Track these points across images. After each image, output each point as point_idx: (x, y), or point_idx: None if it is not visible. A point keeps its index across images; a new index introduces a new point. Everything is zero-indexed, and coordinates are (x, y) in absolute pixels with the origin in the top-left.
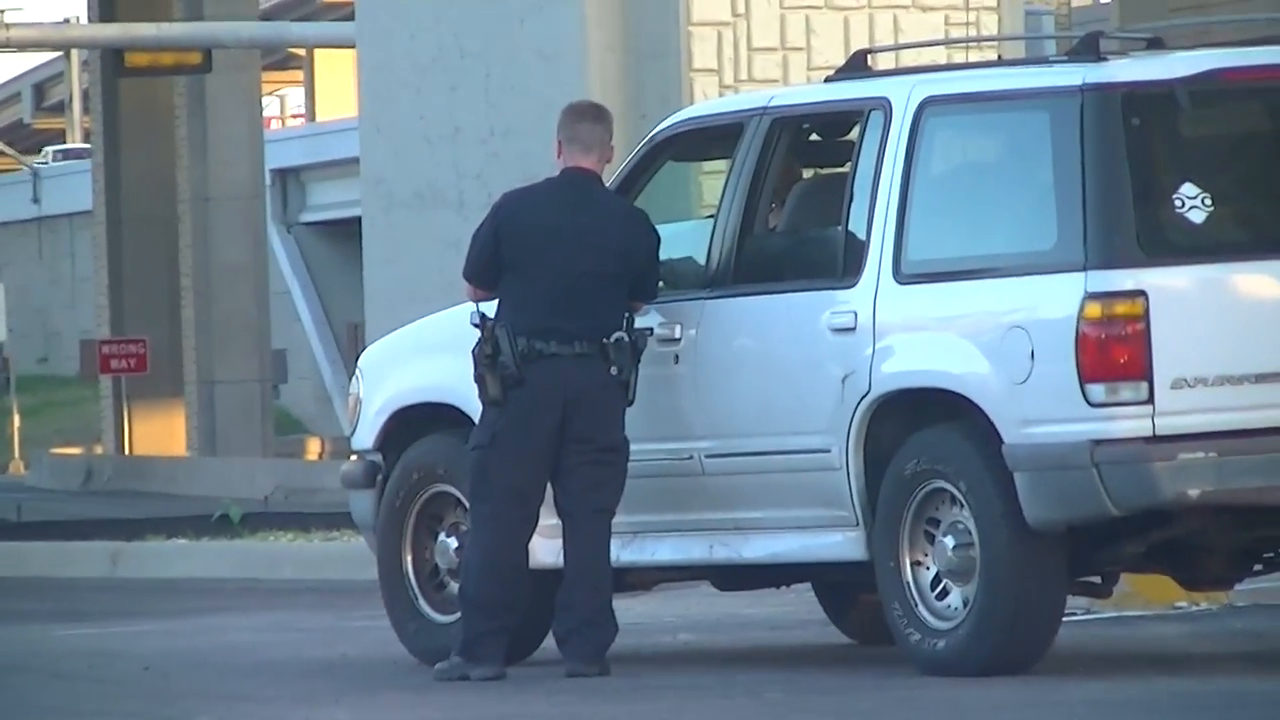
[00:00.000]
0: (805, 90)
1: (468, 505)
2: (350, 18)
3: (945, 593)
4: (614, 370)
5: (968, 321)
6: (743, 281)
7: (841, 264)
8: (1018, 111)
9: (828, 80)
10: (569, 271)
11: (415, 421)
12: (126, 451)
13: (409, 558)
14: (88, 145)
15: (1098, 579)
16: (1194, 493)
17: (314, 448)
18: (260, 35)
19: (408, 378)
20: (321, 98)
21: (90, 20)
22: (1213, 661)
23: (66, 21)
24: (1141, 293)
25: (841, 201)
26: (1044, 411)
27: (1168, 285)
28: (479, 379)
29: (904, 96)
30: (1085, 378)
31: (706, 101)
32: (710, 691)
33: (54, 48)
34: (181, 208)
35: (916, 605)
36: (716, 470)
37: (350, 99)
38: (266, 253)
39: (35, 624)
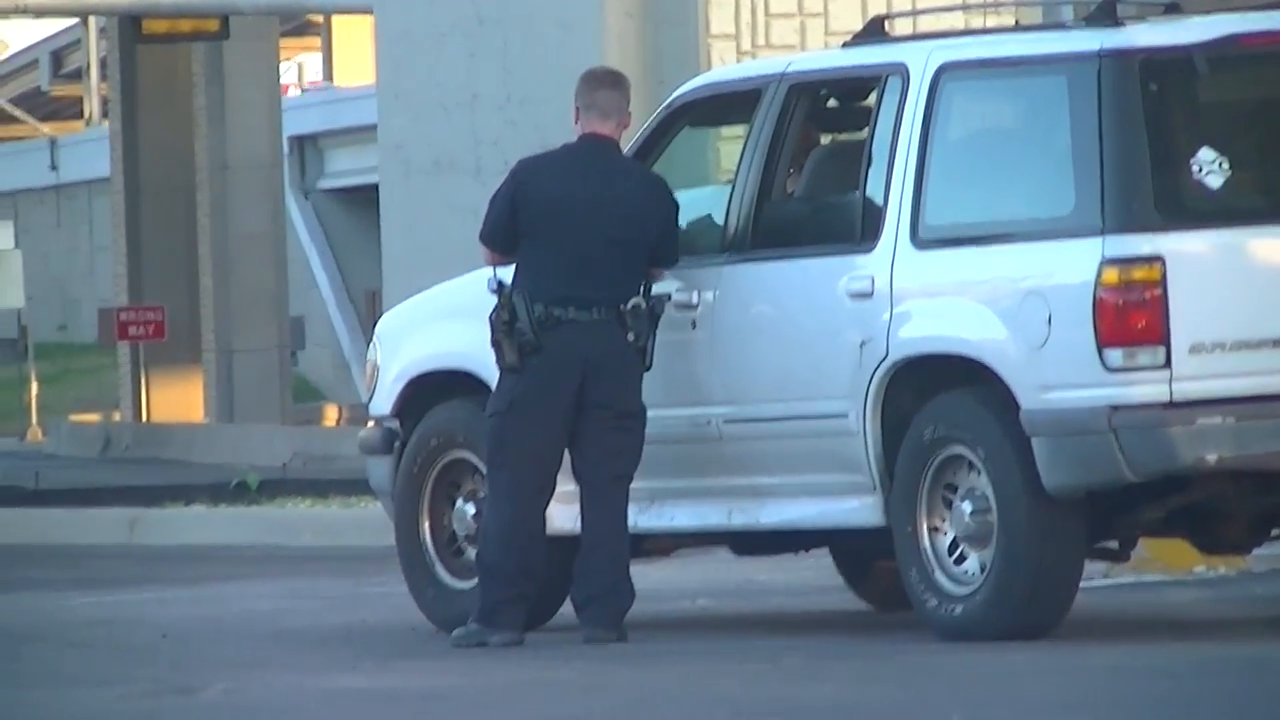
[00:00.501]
0: (823, 56)
1: (485, 472)
2: None
3: (963, 558)
4: (631, 336)
5: (985, 287)
6: (760, 247)
7: (859, 229)
8: (1035, 77)
9: (845, 46)
10: (586, 238)
11: (433, 388)
12: (144, 419)
13: (427, 524)
14: None
15: (1116, 544)
16: (1212, 458)
17: (332, 414)
18: (278, 2)
19: (425, 344)
20: (339, 64)
21: None
22: (1231, 627)
23: None
24: (1159, 258)
25: (859, 167)
26: (1061, 377)
27: (1185, 250)
28: (496, 345)
29: (921, 62)
30: (1103, 343)
31: (724, 67)
32: (728, 657)
33: (71, 14)
34: (199, 176)
35: (934, 571)
36: (734, 436)
37: (368, 66)
38: (285, 221)
39: (53, 591)
